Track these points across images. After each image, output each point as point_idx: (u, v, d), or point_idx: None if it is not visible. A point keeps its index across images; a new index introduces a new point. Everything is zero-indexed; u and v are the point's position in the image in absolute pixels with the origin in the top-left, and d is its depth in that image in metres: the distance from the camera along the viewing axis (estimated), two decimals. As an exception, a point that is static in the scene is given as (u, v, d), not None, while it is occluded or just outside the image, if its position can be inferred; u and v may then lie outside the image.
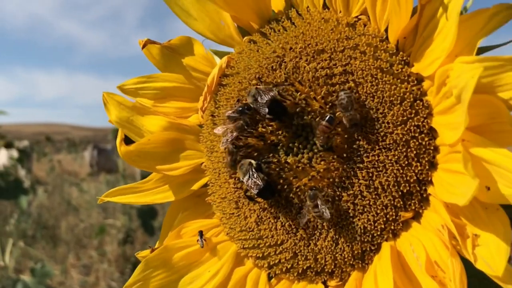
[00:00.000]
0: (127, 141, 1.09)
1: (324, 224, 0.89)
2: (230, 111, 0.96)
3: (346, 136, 0.85)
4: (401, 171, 0.83)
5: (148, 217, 5.99)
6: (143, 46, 1.09)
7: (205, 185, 1.12)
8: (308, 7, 0.95)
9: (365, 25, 0.88)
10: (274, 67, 0.93)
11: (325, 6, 0.93)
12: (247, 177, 0.92)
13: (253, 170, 0.92)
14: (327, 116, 0.85)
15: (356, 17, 0.89)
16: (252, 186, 0.92)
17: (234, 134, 0.95)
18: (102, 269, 8.53)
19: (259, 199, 0.96)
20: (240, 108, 0.94)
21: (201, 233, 1.06)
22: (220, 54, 1.10)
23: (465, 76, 0.65)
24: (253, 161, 0.93)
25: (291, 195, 0.92)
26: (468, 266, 0.73)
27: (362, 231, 0.86)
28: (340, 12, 0.90)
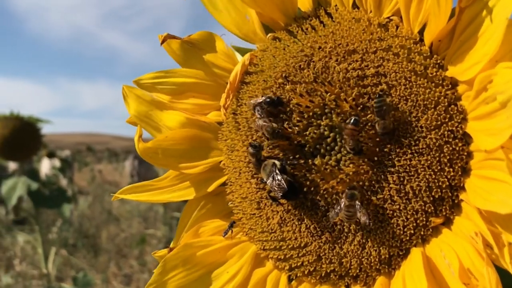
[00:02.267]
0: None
1: (351, 227, 0.88)
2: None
3: (377, 139, 0.84)
4: (433, 176, 0.81)
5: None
6: (162, 42, 1.08)
7: (223, 184, 1.10)
8: (336, 5, 0.93)
9: (397, 27, 0.86)
10: (302, 66, 0.91)
11: (354, 5, 0.91)
12: (270, 179, 0.90)
13: (277, 171, 0.90)
14: (351, 118, 0.83)
15: (388, 17, 0.87)
16: (276, 188, 0.90)
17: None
18: (143, 279, 8.61)
19: (283, 201, 0.95)
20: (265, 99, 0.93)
21: (232, 224, 1.05)
22: (242, 51, 1.08)
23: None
24: (277, 162, 0.91)
25: (317, 197, 0.90)
26: (501, 275, 0.71)
27: (391, 235, 0.85)
28: (371, 12, 0.88)
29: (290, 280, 1.00)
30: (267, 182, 0.92)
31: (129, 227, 11.49)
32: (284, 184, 0.89)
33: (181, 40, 1.08)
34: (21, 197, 5.76)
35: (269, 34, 1.02)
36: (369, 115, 0.84)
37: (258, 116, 0.94)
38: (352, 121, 0.82)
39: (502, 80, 0.68)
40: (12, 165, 10.42)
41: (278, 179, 0.90)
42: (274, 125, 0.92)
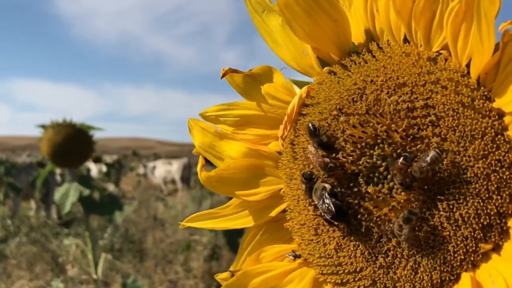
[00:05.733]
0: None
1: (404, 253, 0.91)
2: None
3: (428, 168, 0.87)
4: (482, 203, 0.84)
5: (234, 235, 6.00)
6: (223, 75, 1.14)
7: (284, 210, 1.14)
8: (388, 40, 0.97)
9: (446, 60, 0.89)
10: (355, 99, 0.96)
11: (405, 40, 0.95)
12: (321, 202, 0.96)
13: (327, 195, 0.95)
14: (402, 156, 0.87)
15: (437, 51, 0.91)
16: (326, 211, 0.95)
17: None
18: (188, 285, 8.67)
19: (340, 226, 0.99)
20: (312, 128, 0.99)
21: (296, 256, 1.10)
22: (299, 84, 1.13)
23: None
24: (327, 185, 0.96)
25: (371, 224, 0.94)
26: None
27: (442, 261, 0.88)
28: (421, 46, 0.92)
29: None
30: (318, 205, 0.97)
31: (174, 233, 11.59)
32: (333, 208, 0.94)
33: (244, 74, 1.14)
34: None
35: (325, 68, 1.06)
36: (419, 145, 0.87)
37: (311, 150, 0.99)
38: (402, 158, 0.87)
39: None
40: (58, 169, 10.63)
41: (327, 203, 0.95)
42: (326, 160, 0.96)
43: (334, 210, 0.94)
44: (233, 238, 6.01)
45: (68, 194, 5.74)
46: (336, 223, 0.98)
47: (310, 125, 0.99)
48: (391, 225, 0.90)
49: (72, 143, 5.52)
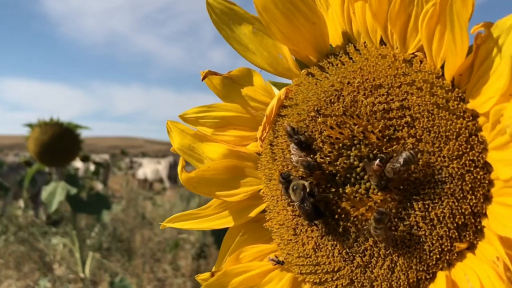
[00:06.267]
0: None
1: (381, 252, 0.92)
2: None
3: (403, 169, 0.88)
4: (457, 203, 0.85)
5: (222, 233, 6.03)
6: (203, 78, 1.14)
7: (263, 211, 1.15)
8: (365, 42, 0.98)
9: (421, 62, 0.90)
10: (332, 100, 0.97)
11: (382, 42, 0.96)
12: (298, 200, 0.97)
13: (304, 194, 0.96)
14: (378, 157, 0.89)
15: (413, 53, 0.92)
16: (303, 210, 0.96)
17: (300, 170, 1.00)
18: (176, 283, 8.67)
19: (318, 225, 1.00)
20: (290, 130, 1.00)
21: (279, 262, 1.11)
22: (279, 86, 1.14)
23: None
24: (306, 183, 0.97)
25: (348, 224, 0.95)
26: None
27: (418, 260, 0.89)
28: (397, 48, 0.93)
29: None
30: (296, 204, 0.98)
31: (162, 232, 11.56)
32: (310, 207, 0.96)
33: (222, 76, 1.15)
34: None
35: (303, 70, 1.07)
36: (395, 146, 0.89)
37: (293, 152, 1.00)
38: (378, 160, 0.88)
39: (509, 114, 0.73)
40: (46, 168, 10.59)
41: (304, 202, 0.96)
42: (309, 159, 0.97)
43: (311, 209, 0.96)
44: (221, 237, 5.97)
45: (55, 193, 5.71)
46: (314, 222, 1.00)
47: (288, 126, 1.00)
48: (368, 225, 0.91)
49: (59, 142, 5.49)
